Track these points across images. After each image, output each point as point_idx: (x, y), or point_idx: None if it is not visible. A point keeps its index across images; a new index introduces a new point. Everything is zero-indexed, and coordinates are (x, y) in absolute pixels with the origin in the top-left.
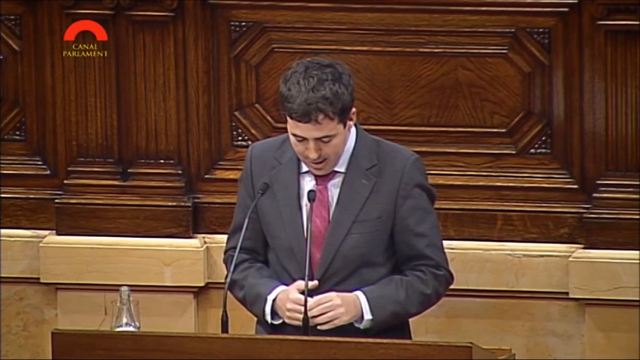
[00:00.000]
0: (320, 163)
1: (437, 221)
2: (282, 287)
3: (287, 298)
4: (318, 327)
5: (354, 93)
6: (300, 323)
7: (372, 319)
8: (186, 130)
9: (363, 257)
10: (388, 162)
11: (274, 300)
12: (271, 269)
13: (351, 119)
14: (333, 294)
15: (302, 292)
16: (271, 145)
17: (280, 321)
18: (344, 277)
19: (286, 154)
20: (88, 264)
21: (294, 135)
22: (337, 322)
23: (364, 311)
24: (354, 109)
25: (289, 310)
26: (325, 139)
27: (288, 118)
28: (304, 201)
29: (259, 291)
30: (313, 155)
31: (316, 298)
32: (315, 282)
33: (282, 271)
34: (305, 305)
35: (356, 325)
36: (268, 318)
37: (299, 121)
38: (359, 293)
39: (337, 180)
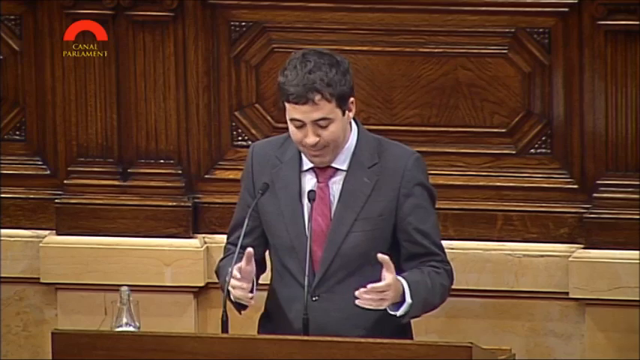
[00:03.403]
0: (319, 150)
1: (437, 220)
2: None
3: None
4: (357, 302)
5: (354, 91)
6: (242, 293)
7: (411, 304)
8: (186, 130)
9: (365, 255)
10: (390, 160)
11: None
12: (273, 268)
13: (350, 109)
14: (390, 282)
15: (303, 287)
16: (272, 144)
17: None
18: (346, 275)
19: (287, 152)
20: (88, 264)
21: (292, 120)
22: (379, 308)
23: (406, 295)
24: (352, 99)
25: (229, 282)
26: (323, 123)
27: (286, 104)
28: (305, 199)
29: (228, 270)
30: (311, 140)
31: (377, 285)
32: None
33: (283, 269)
34: (305, 305)
35: (391, 312)
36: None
37: (296, 103)
38: (401, 278)
39: (339, 178)
